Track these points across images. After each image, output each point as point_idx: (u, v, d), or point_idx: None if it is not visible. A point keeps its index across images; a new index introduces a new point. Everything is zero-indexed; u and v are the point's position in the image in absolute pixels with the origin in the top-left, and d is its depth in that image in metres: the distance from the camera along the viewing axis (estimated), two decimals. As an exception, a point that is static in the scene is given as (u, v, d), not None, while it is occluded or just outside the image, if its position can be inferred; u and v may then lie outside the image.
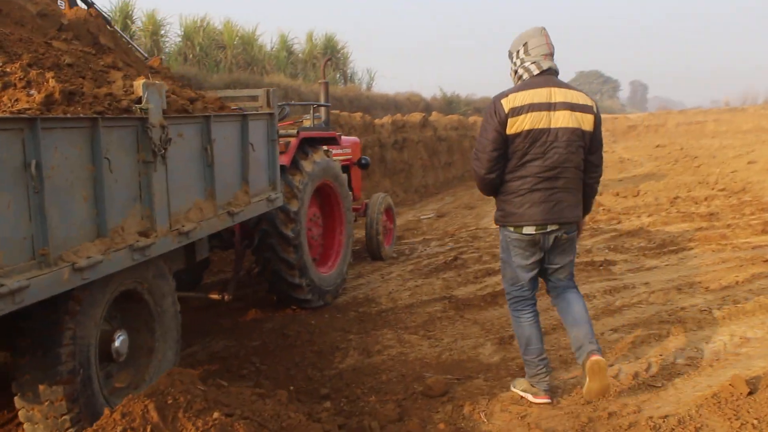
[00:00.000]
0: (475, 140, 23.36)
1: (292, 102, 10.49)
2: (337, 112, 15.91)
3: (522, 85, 4.18)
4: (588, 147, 4.21)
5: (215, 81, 22.42)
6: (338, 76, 35.67)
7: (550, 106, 4.08)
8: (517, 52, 4.30)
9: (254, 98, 5.74)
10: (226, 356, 5.39)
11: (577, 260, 7.83)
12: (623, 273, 7.37)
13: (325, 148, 7.30)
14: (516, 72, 4.31)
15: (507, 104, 4.09)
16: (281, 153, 6.49)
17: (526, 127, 4.08)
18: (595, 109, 4.21)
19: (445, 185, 20.25)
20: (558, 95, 4.11)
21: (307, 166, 6.70)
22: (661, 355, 4.89)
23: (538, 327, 4.41)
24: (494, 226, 12.07)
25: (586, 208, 4.43)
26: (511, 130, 4.10)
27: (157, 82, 3.94)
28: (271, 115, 5.52)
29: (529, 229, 4.19)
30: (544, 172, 4.12)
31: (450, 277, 7.71)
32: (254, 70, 29.26)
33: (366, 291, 7.42)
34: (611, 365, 4.76)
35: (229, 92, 6.23)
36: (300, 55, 33.55)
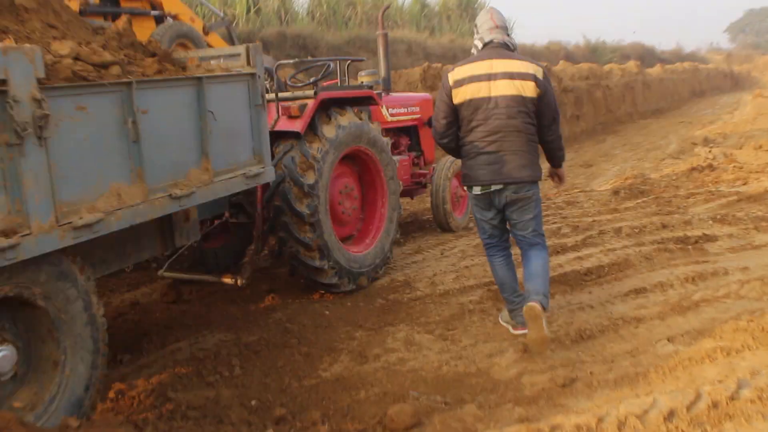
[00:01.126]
0: (608, 89, 21.45)
1: (309, 59, 9.71)
2: (439, 65, 14.79)
3: (466, 60, 4.63)
4: (536, 110, 4.54)
5: (332, 39, 21.83)
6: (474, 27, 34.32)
7: (490, 77, 4.48)
8: (473, 33, 4.80)
9: (237, 57, 4.92)
10: (206, 356, 4.71)
11: (666, 236, 6.49)
12: (720, 253, 5.95)
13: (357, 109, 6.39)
14: (472, 50, 4.76)
15: (452, 77, 4.61)
16: (295, 117, 5.68)
17: (468, 97, 4.52)
18: (538, 76, 4.48)
19: (570, 140, 18.58)
20: (498, 66, 4.48)
21: (328, 131, 5.82)
22: (721, 381, 3.61)
23: (510, 268, 4.85)
24: (601, 188, 10.70)
25: (556, 162, 4.92)
26: (456, 100, 4.58)
27: (27, 46, 3.21)
28: (252, 75, 4.69)
29: (476, 189, 4.64)
30: (487, 136, 4.51)
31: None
32: (385, 26, 28.54)
33: (412, 271, 6.50)
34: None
35: (212, 51, 5.46)
36: (436, 7, 32.47)
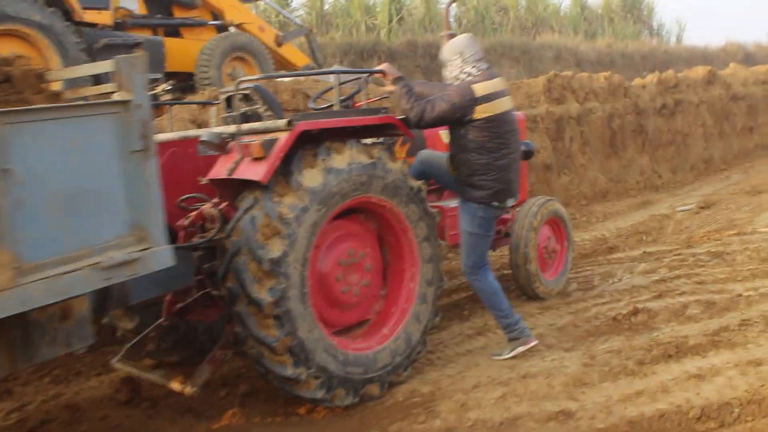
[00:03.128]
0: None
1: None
2: (569, 74, 12.44)
3: (478, 77, 4.58)
4: None
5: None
6: (643, 29, 31.24)
7: (507, 92, 4.72)
8: (450, 62, 4.72)
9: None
10: None
11: None
12: None
13: (369, 142, 4.51)
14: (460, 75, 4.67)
15: (478, 91, 4.50)
16: (260, 159, 3.93)
17: (501, 110, 4.58)
18: None
19: (739, 158, 15.45)
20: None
21: (310, 178, 4.00)
22: None
23: None
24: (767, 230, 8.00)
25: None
26: (483, 114, 4.50)
27: None
28: (125, 104, 2.98)
29: (510, 201, 4.80)
30: (517, 150, 4.79)
31: (609, 353, 4.44)
32: (538, 31, 26.37)
33: (448, 375, 4.51)
34: None
35: (80, 69, 3.81)
36: (598, 10, 29.80)
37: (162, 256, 3.11)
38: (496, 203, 4.68)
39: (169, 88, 5.49)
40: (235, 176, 4.00)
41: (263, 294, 3.83)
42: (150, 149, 3.05)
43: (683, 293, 5.55)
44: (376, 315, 4.64)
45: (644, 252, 7.56)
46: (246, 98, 4.90)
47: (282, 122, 4.02)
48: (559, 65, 22.22)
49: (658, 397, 3.67)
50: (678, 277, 6.15)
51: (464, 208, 4.77)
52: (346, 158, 4.16)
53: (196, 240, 4.55)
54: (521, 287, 6.03)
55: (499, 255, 7.04)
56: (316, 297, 4.20)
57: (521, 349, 4.72)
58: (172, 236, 4.86)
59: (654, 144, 13.60)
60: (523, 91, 11.56)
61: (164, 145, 4.80)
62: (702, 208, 10.01)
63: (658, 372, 3.99)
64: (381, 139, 4.78)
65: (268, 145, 3.93)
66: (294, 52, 10.18)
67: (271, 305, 3.82)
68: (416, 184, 4.57)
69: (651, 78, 14.40)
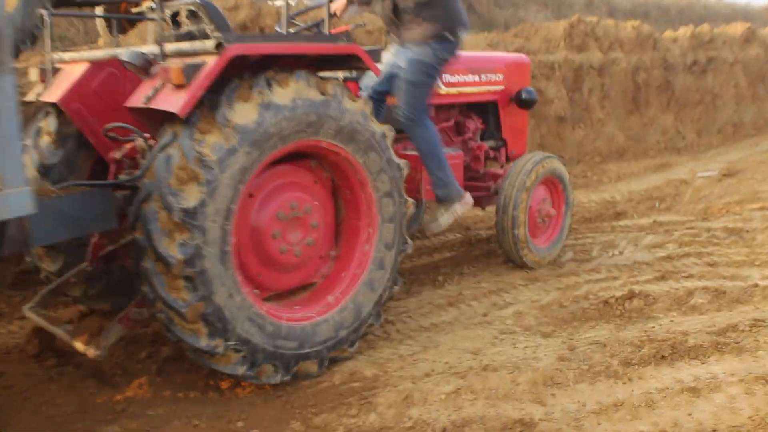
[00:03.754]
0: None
1: None
2: (594, 19, 11.44)
3: None
4: None
5: None
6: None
7: None
8: None
9: None
10: None
11: None
12: None
13: (337, 76, 3.76)
14: None
15: None
16: (181, 87, 3.21)
17: None
18: None
19: (769, 124, 14.45)
20: None
21: (241, 114, 3.28)
22: None
23: None
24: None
25: None
26: None
27: None
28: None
29: (463, 32, 4.60)
30: None
31: (592, 346, 3.75)
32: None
33: (401, 356, 3.86)
34: None
35: None
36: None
37: (15, 201, 2.42)
38: (447, 33, 4.45)
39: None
40: (151, 106, 3.29)
41: (173, 250, 3.15)
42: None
43: (690, 276, 4.82)
44: (323, 279, 3.97)
45: (654, 221, 6.80)
46: (193, 15, 4.14)
47: (210, 43, 3.27)
48: (589, 14, 21.05)
49: (640, 413, 2.98)
50: (687, 255, 5.40)
51: (411, 59, 4.50)
52: (290, 92, 3.42)
53: (122, 177, 3.91)
54: (507, 253, 5.32)
55: (489, 213, 6.31)
56: (245, 255, 3.54)
57: (459, 209, 4.67)
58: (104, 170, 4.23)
59: (680, 103, 12.67)
60: (541, 35, 10.64)
61: (99, 65, 4.10)
62: (725, 175, 9.17)
63: (646, 377, 3.30)
64: (341, 74, 4.02)
65: (191, 70, 3.20)
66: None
67: (181, 264, 3.15)
68: (380, 128, 3.82)
69: (684, 31, 13.35)
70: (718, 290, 4.43)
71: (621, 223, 6.95)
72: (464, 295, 4.79)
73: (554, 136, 10.26)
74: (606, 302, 4.34)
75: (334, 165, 3.83)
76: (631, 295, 4.34)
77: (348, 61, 3.84)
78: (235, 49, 3.24)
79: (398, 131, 4.31)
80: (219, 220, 3.25)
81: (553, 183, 5.46)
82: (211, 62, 3.22)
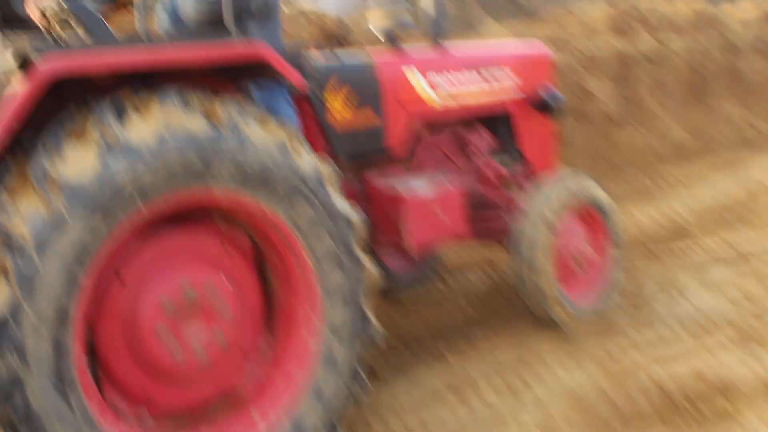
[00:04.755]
0: None
1: None
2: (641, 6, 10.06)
3: None
4: None
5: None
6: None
7: None
8: None
9: None
10: None
11: None
12: None
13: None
14: None
15: None
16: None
17: None
18: None
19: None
20: None
21: (70, 164, 2.13)
22: None
23: None
24: None
25: None
26: None
27: None
28: None
29: None
30: None
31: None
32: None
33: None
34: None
35: None
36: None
37: None
38: None
39: None
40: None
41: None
42: None
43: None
44: (249, 385, 2.79)
45: (722, 240, 5.42)
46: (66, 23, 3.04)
47: (11, 59, 2.14)
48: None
49: None
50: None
51: None
52: (153, 123, 2.26)
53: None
54: (531, 307, 4.04)
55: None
56: (117, 366, 2.40)
57: None
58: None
59: (750, 90, 11.15)
60: (576, 19, 9.33)
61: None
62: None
63: None
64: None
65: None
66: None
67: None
68: (311, 166, 2.62)
69: (751, 7, 11.81)
70: None
71: (682, 244, 5.57)
72: (471, 374, 3.54)
73: (602, 138, 8.96)
74: (666, 393, 3.02)
75: (247, 222, 2.65)
76: (701, 380, 3.01)
77: (254, 72, 2.65)
78: (50, 68, 2.09)
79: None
80: (47, 332, 2.11)
81: (590, 214, 4.15)
82: (16, 87, 2.10)
